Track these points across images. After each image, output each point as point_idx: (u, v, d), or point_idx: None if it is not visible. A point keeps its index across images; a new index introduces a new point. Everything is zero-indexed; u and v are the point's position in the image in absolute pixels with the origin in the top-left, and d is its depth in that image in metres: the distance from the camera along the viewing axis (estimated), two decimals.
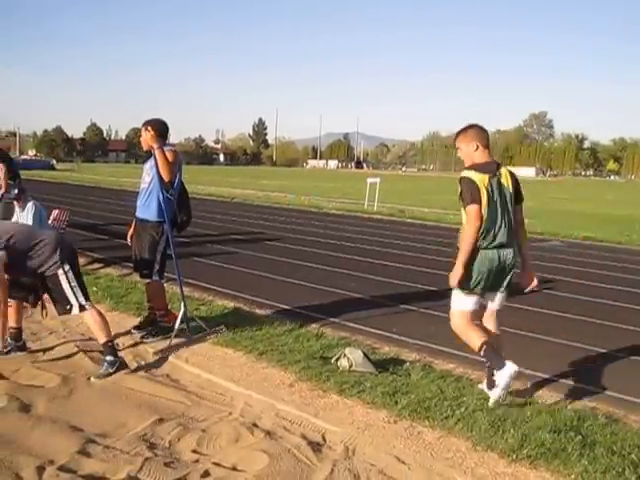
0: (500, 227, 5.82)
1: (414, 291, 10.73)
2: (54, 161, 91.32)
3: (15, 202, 10.67)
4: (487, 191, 5.71)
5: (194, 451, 4.91)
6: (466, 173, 5.82)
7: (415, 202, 32.10)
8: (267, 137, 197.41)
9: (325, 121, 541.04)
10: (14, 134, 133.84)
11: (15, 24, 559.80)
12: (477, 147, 5.92)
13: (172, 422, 5.37)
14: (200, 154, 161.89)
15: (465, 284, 5.90)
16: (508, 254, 5.95)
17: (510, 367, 5.78)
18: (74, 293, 6.54)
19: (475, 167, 5.83)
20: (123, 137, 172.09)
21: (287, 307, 9.04)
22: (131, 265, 8.45)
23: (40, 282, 6.63)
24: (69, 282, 6.51)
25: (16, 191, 10.62)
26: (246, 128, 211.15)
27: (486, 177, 5.75)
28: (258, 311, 8.79)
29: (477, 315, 6.14)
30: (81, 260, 8.18)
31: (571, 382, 6.65)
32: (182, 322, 7.39)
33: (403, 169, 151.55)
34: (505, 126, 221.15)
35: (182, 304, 7.48)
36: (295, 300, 9.45)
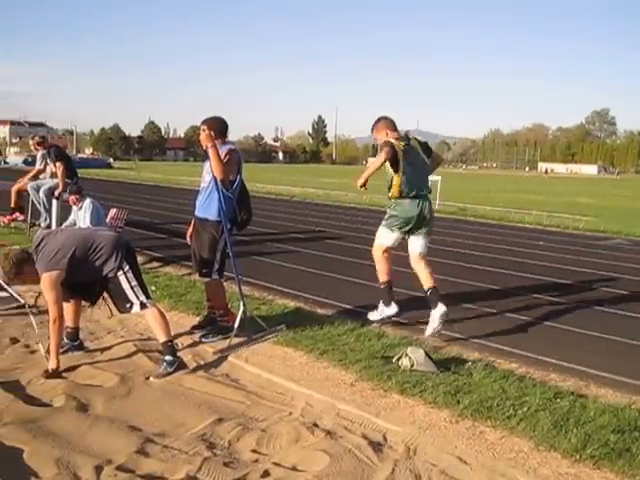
0: (418, 182, 7.87)
1: (476, 290, 10.60)
2: (111, 159, 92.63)
3: (72, 200, 10.81)
4: (404, 152, 7.70)
5: (254, 451, 4.88)
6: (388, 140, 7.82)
7: (477, 200, 31.83)
8: (327, 135, 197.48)
9: None
10: (71, 132, 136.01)
11: (74, 25, 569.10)
12: (387, 133, 7.91)
13: (231, 422, 5.35)
14: (259, 152, 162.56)
15: (391, 224, 7.99)
16: (425, 203, 7.94)
17: (441, 307, 7.67)
18: (134, 292, 6.57)
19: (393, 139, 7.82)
20: (182, 135, 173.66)
21: (348, 306, 8.99)
22: (190, 264, 8.48)
23: (99, 282, 6.67)
24: (129, 282, 6.54)
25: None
26: (305, 126, 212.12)
27: (402, 143, 7.76)
28: (319, 310, 8.75)
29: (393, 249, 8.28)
30: (140, 259, 8.21)
31: (634, 381, 6.48)
32: (242, 321, 7.36)
33: (462, 167, 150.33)
34: (567, 124, 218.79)
35: (242, 303, 7.47)
36: (356, 299, 9.37)
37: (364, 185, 7.76)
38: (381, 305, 8.20)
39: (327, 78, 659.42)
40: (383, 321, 8.13)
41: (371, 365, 6.49)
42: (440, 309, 7.64)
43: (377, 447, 4.97)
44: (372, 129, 8.08)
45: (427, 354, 6.51)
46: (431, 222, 8.09)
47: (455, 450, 4.96)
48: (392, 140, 7.80)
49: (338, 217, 22.53)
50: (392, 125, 8.02)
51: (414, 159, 7.81)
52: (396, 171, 7.76)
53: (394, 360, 6.57)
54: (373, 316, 8.19)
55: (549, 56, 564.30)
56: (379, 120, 8.09)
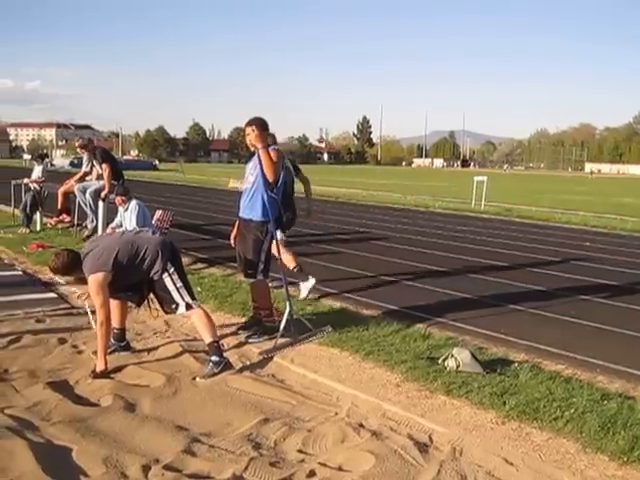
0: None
1: (522, 291, 10.51)
2: (157, 161, 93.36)
3: (119, 201, 10.91)
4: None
5: (300, 451, 4.89)
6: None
7: (523, 201, 31.59)
8: (372, 135, 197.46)
9: (431, 119, 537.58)
10: (117, 135, 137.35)
11: (119, 29, 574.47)
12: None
13: (277, 422, 5.36)
14: (304, 153, 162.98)
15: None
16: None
17: (312, 280, 9.31)
18: (180, 293, 6.62)
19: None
20: (226, 137, 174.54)
21: (394, 307, 8.95)
22: (235, 265, 8.51)
23: (145, 283, 6.73)
24: (174, 283, 6.60)
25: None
26: (350, 127, 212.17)
27: None
28: (364, 311, 8.72)
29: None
30: (185, 260, 8.27)
31: None
32: (287, 322, 7.35)
33: (505, 167, 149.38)
34: (614, 123, 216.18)
35: (287, 304, 7.47)
36: (402, 300, 9.36)
37: None
38: (302, 283, 9.42)
39: (372, 78, 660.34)
40: (311, 292, 9.39)
41: (417, 366, 6.47)
42: (311, 281, 9.40)
43: (423, 448, 4.96)
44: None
45: (473, 355, 6.48)
46: None
47: (501, 451, 4.92)
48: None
49: (383, 218, 22.49)
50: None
51: None
52: None
53: (440, 361, 6.54)
54: (303, 293, 9.38)
55: (596, 57, 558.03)
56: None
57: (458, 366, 6.34)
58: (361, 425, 5.33)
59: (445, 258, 13.65)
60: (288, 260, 9.05)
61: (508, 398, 5.70)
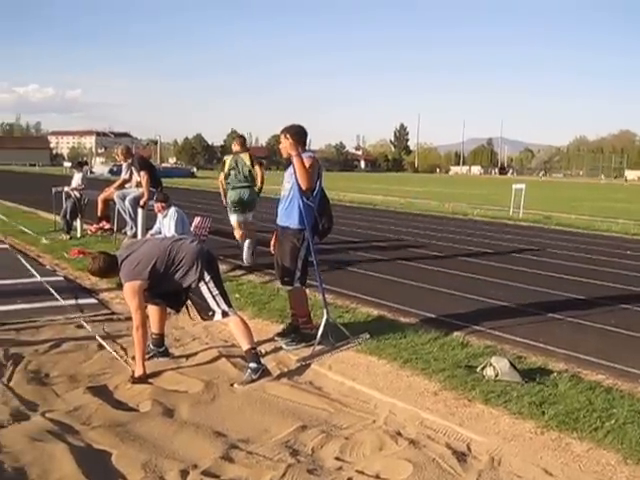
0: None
1: (562, 300, 10.40)
2: (194, 169, 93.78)
3: (158, 208, 10.99)
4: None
5: (337, 458, 4.89)
6: None
7: (561, 208, 31.35)
8: (409, 143, 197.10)
9: (468, 126, 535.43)
10: (155, 142, 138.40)
11: (158, 37, 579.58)
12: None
13: (315, 429, 5.37)
14: (341, 160, 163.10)
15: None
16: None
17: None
18: (216, 301, 6.66)
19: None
20: (263, 144, 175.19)
21: (431, 315, 8.91)
22: (273, 272, 8.53)
23: (182, 290, 6.77)
24: (210, 291, 6.64)
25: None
26: (387, 134, 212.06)
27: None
28: (402, 319, 8.69)
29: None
30: (223, 267, 8.29)
31: None
32: (325, 329, 7.36)
33: (541, 175, 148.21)
34: None
35: (325, 311, 7.47)
36: (439, 308, 9.32)
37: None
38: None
39: (410, 86, 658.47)
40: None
41: (455, 374, 6.44)
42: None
43: (461, 457, 4.94)
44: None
45: (512, 364, 6.43)
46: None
47: (540, 462, 4.88)
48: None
49: (420, 225, 22.40)
50: (241, 139, 13.04)
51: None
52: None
53: (478, 370, 6.51)
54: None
55: (637, 65, 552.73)
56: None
57: (497, 375, 6.30)
58: (399, 433, 5.32)
59: (483, 266, 13.55)
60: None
61: (547, 408, 5.66)
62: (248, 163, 12.37)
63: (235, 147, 12.81)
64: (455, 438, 5.29)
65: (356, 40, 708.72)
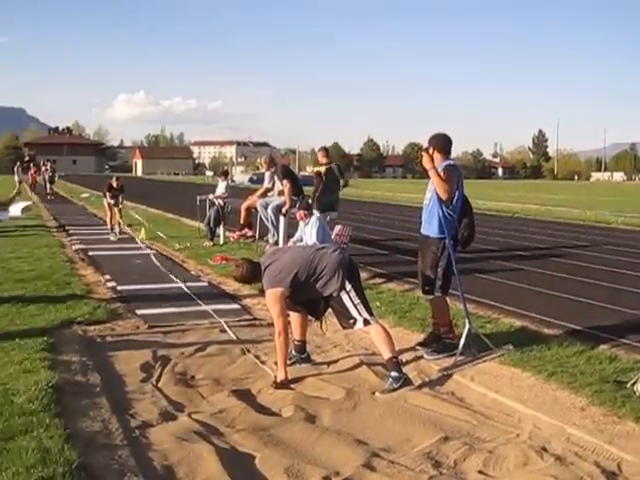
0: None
1: None
2: None
3: (300, 215, 11.10)
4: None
5: (480, 472, 4.79)
6: None
7: None
8: (547, 149, 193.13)
9: (610, 131, 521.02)
10: (293, 151, 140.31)
11: (296, 48, 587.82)
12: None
13: (457, 441, 5.28)
14: (478, 168, 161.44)
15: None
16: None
17: None
18: (357, 310, 6.68)
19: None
20: (400, 152, 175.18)
21: (577, 327, 8.64)
22: (413, 280, 8.49)
23: (323, 298, 6.82)
24: (352, 300, 6.66)
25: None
26: (525, 141, 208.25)
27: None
28: (546, 330, 8.47)
29: None
30: (363, 275, 8.30)
31: None
32: (467, 339, 7.28)
33: None
34: None
35: (467, 321, 7.39)
36: (585, 320, 9.03)
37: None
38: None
39: (548, 91, 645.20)
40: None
41: (603, 389, 6.22)
42: None
43: (611, 477, 4.73)
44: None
45: None
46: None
47: None
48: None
49: (560, 234, 21.89)
50: (325, 151, 14.91)
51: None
52: None
53: (628, 385, 6.26)
54: None
55: None
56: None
57: None
58: (544, 449, 5.16)
59: (631, 277, 13.10)
60: None
61: None
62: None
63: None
64: (604, 457, 5.07)
65: (492, 46, 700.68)
